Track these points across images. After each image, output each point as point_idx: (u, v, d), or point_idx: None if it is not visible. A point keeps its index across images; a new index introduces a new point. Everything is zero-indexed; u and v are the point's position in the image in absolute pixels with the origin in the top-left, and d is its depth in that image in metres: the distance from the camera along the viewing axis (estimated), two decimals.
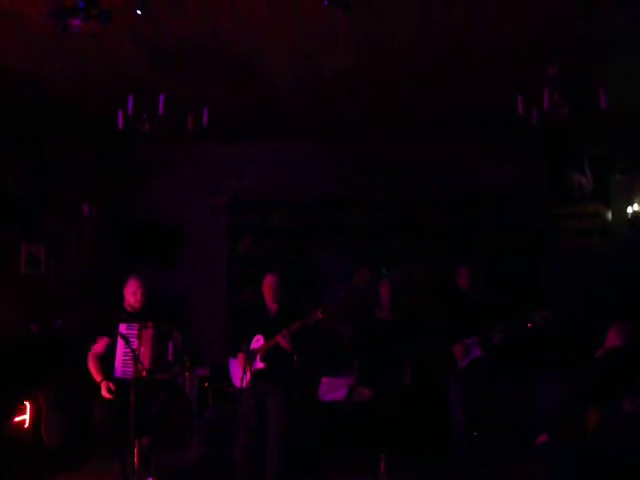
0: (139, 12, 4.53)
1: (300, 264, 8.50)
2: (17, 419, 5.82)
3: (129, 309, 5.72)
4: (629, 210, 8.03)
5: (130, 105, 5.12)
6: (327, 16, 4.74)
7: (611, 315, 5.10)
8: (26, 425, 5.85)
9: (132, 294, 5.70)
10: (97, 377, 5.49)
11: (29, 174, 6.84)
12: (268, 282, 5.82)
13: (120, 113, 5.17)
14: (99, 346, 5.64)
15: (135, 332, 5.39)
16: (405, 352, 6.32)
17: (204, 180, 8.74)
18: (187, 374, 6.75)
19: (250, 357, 5.46)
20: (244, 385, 5.33)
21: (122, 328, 5.46)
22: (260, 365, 5.58)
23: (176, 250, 8.66)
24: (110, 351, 5.58)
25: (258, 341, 5.67)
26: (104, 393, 5.36)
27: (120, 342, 5.47)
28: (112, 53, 5.48)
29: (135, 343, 5.31)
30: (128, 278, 5.78)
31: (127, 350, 5.29)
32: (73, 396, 6.26)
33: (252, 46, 5.42)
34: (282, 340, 5.48)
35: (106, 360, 5.57)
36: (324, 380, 6.63)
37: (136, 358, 5.16)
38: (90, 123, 7.40)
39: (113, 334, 5.53)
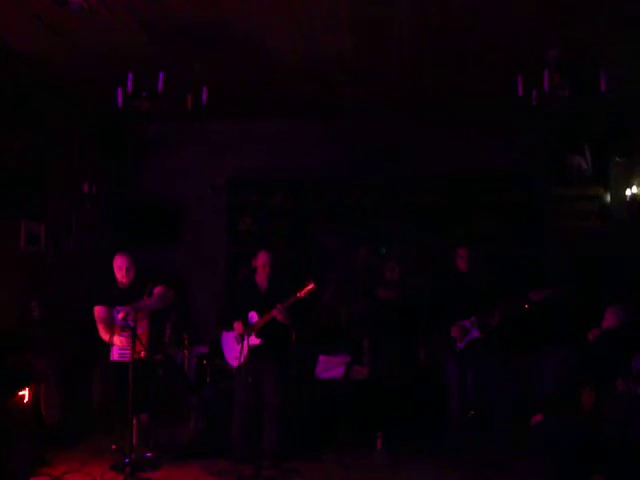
0: None
1: (299, 243, 8.53)
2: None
3: (120, 286, 5.73)
4: (628, 193, 7.99)
5: (130, 83, 5.10)
6: None
7: (609, 297, 5.12)
8: (25, 401, 5.88)
9: (118, 270, 5.70)
10: (106, 336, 5.52)
11: (29, 152, 6.82)
12: (261, 259, 5.84)
13: (119, 91, 5.16)
14: (100, 312, 5.65)
15: (131, 314, 5.35)
16: (415, 331, 6.39)
17: (204, 158, 8.72)
18: (186, 352, 6.80)
19: (247, 331, 5.50)
20: (241, 361, 5.36)
21: (117, 309, 5.47)
22: (256, 341, 5.61)
23: (176, 228, 8.67)
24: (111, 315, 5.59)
25: (252, 318, 5.68)
26: (116, 341, 5.44)
27: (116, 324, 5.50)
28: (112, 31, 5.45)
29: (132, 324, 5.30)
30: (116, 254, 5.80)
31: (124, 332, 5.33)
32: (72, 373, 6.30)
33: (253, 24, 5.40)
34: (279, 315, 5.49)
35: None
36: (321, 358, 6.65)
37: (135, 336, 5.20)
38: (90, 101, 7.37)
39: (109, 304, 5.58)
